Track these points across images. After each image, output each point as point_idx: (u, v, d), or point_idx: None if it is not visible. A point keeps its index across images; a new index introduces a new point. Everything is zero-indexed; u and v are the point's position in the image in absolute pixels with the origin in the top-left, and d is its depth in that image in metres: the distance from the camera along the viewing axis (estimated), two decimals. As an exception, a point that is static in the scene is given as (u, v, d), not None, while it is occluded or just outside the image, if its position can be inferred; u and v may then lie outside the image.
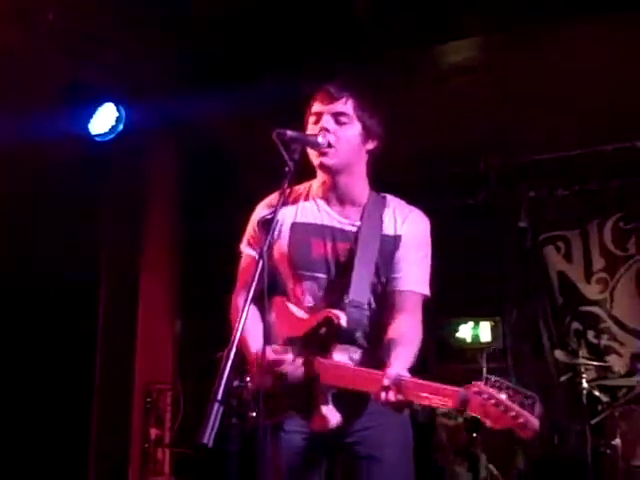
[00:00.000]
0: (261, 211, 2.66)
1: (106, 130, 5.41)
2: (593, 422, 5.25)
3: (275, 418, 2.51)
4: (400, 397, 2.18)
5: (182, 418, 5.75)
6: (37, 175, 5.20)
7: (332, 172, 2.59)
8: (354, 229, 2.59)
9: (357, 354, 2.49)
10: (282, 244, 2.63)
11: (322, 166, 2.58)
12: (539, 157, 6.37)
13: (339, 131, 2.54)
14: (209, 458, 4.35)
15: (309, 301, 2.59)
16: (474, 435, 5.36)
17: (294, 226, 2.63)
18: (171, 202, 6.31)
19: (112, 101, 5.40)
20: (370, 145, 2.63)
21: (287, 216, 2.64)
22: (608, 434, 5.16)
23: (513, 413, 1.97)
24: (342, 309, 2.46)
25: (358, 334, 2.48)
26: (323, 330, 2.45)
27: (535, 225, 6.57)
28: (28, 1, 4.52)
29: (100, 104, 5.38)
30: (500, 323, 6.39)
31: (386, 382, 2.19)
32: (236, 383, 2.50)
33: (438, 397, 2.12)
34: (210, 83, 5.11)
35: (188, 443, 5.48)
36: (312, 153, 2.57)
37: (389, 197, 2.69)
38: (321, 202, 2.65)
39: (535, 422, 1.97)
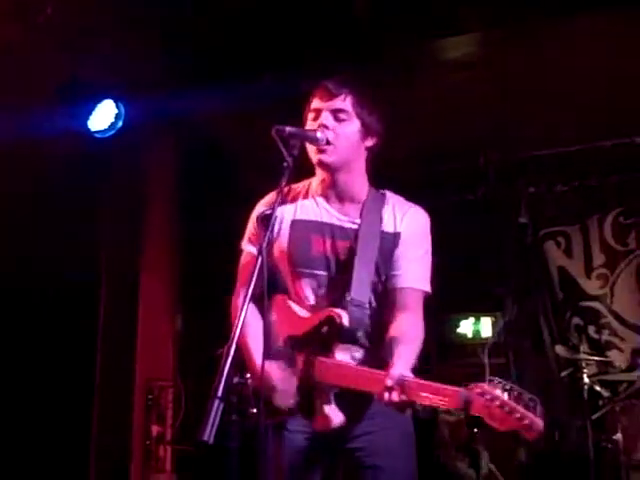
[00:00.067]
0: (260, 208, 2.65)
1: (105, 127, 5.40)
2: (594, 417, 5.26)
3: (277, 418, 2.50)
4: (403, 397, 2.17)
5: (183, 415, 5.75)
6: (36, 172, 5.19)
7: (331, 169, 2.59)
8: (354, 226, 2.59)
9: (359, 353, 2.49)
10: (282, 242, 2.62)
11: (321, 163, 2.57)
12: (538, 153, 6.37)
13: (338, 128, 2.54)
14: (210, 455, 4.35)
15: (309, 299, 2.59)
16: (475, 431, 5.36)
17: (294, 224, 2.63)
18: (171, 199, 6.30)
19: (111, 98, 5.39)
20: (369, 142, 2.62)
21: (287, 214, 2.64)
22: (609, 429, 5.16)
23: (518, 415, 1.97)
24: (343, 308, 2.45)
25: (360, 333, 2.46)
26: (325, 329, 2.44)
27: (535, 221, 6.57)
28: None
29: (99, 101, 5.37)
30: (500, 319, 6.40)
31: (389, 382, 2.18)
32: (236, 380, 2.50)
33: (441, 397, 2.11)
34: (210, 81, 5.10)
35: (190, 440, 5.48)
36: (311, 150, 2.57)
37: (388, 194, 2.68)
38: (320, 199, 2.65)
39: (540, 423, 1.97)
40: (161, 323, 6.14)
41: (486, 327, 6.40)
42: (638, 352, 5.94)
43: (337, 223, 2.60)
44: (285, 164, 2.35)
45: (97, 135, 5.44)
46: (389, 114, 2.68)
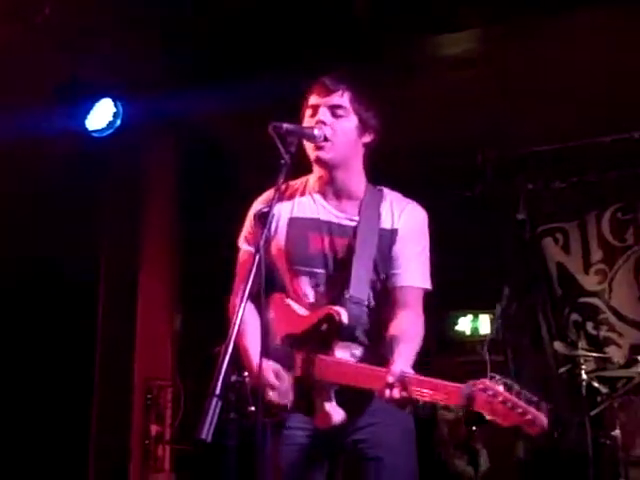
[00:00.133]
0: (258, 206, 2.65)
1: (104, 126, 5.40)
2: (592, 413, 5.25)
3: (276, 416, 2.50)
4: (404, 394, 2.17)
5: (182, 415, 5.75)
6: (35, 172, 5.19)
7: (329, 166, 2.58)
8: (352, 223, 2.58)
9: (358, 351, 2.50)
10: (279, 239, 2.62)
11: (318, 160, 2.57)
12: (537, 149, 6.37)
13: (336, 124, 2.53)
14: (208, 453, 4.35)
15: (308, 297, 2.59)
16: (474, 428, 5.36)
17: (291, 221, 2.63)
18: (170, 199, 6.30)
19: (110, 96, 5.39)
20: (366, 138, 2.62)
21: (284, 211, 2.63)
22: (608, 425, 5.16)
23: (520, 410, 1.97)
24: (342, 305, 2.45)
25: (359, 331, 2.49)
26: (324, 327, 2.44)
27: (533, 217, 6.57)
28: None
29: (98, 99, 5.37)
30: (499, 315, 6.40)
31: (390, 379, 2.18)
32: (234, 378, 2.50)
33: (443, 394, 2.11)
34: (209, 80, 5.10)
35: (189, 439, 5.48)
36: (308, 147, 2.56)
37: (386, 190, 2.68)
38: (318, 197, 2.64)
39: (543, 418, 1.97)
40: (160, 322, 6.14)
41: (484, 324, 6.41)
42: (636, 348, 5.95)
43: (335, 220, 2.60)
44: (282, 161, 2.34)
45: (95, 134, 5.44)
46: (386, 110, 2.67)
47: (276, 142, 2.34)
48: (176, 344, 6.21)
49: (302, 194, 2.67)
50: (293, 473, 2.53)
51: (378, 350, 2.47)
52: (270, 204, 2.36)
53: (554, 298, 6.47)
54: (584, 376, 5.32)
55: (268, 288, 2.46)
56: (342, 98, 2.55)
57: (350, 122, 2.56)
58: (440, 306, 5.81)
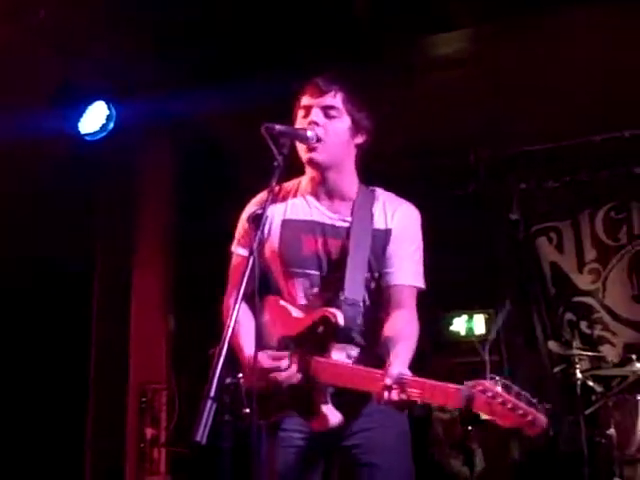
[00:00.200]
0: (251, 209, 2.64)
1: (97, 129, 5.38)
2: (587, 412, 5.26)
3: (271, 418, 2.50)
4: (403, 396, 2.16)
5: (177, 417, 5.74)
6: (29, 174, 5.17)
7: (321, 168, 2.58)
8: (345, 224, 2.58)
9: (354, 352, 2.50)
10: (273, 241, 2.62)
11: (311, 162, 2.57)
12: (529, 148, 6.38)
13: (328, 125, 2.53)
14: (203, 455, 4.35)
15: (302, 299, 2.58)
16: (469, 428, 5.37)
17: (284, 223, 2.62)
18: (165, 200, 6.29)
19: (103, 99, 5.38)
20: (359, 139, 2.62)
21: (277, 213, 2.63)
22: (602, 424, 5.17)
23: (521, 411, 1.96)
24: (337, 307, 2.44)
25: (355, 332, 2.48)
26: (320, 329, 2.43)
27: (527, 217, 6.57)
28: (19, -1, 4.50)
29: (91, 102, 5.36)
30: (494, 316, 6.40)
31: (388, 381, 2.17)
32: (228, 380, 2.49)
33: (441, 395, 2.10)
34: (203, 81, 5.10)
35: (184, 442, 5.47)
36: (301, 149, 2.56)
37: (378, 190, 2.68)
38: (310, 198, 2.64)
39: (543, 419, 1.97)
40: (154, 325, 6.13)
41: (479, 324, 6.41)
42: (630, 347, 5.96)
43: (328, 221, 2.60)
44: (275, 163, 2.34)
45: (88, 137, 5.42)
46: (379, 110, 2.67)
47: (269, 143, 2.34)
48: (170, 346, 6.20)
49: (295, 196, 2.67)
50: (289, 475, 2.52)
51: (374, 351, 2.47)
52: (263, 206, 2.35)
53: (548, 297, 6.48)
54: (579, 375, 5.33)
55: (262, 291, 2.45)
56: (335, 99, 2.55)
57: (343, 123, 2.56)
58: (434, 306, 5.82)
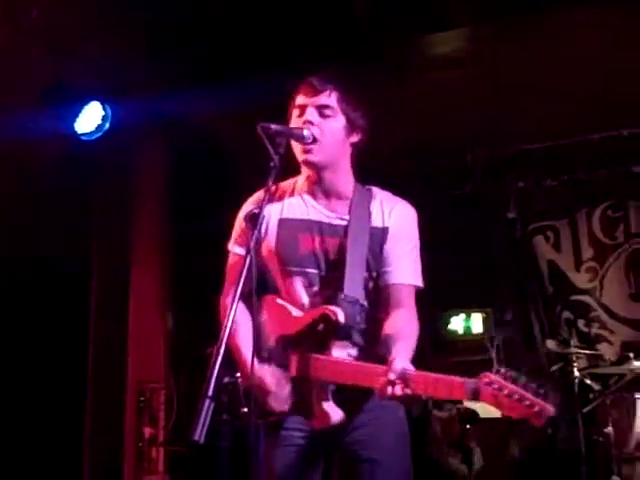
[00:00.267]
0: (247, 208, 2.64)
1: (92, 129, 5.38)
2: (585, 410, 5.27)
3: (270, 417, 2.49)
4: (407, 391, 2.15)
5: (176, 417, 5.74)
6: (25, 175, 5.17)
7: (317, 168, 2.58)
8: (342, 223, 2.58)
9: (354, 350, 2.49)
10: (270, 241, 2.62)
11: (307, 162, 2.57)
12: (527, 147, 6.38)
13: (323, 124, 2.53)
14: (201, 454, 4.35)
15: (301, 298, 2.57)
16: (467, 427, 5.37)
17: (281, 222, 2.62)
18: (160, 200, 6.29)
19: (98, 99, 5.38)
20: (354, 138, 2.61)
21: (274, 213, 2.63)
22: (600, 422, 5.17)
23: (528, 402, 1.95)
24: (337, 305, 2.43)
25: (355, 330, 2.47)
26: (320, 327, 2.42)
27: (524, 215, 6.58)
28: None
29: (86, 103, 5.36)
30: (491, 314, 6.41)
31: (392, 376, 2.16)
32: (226, 379, 2.49)
33: (446, 389, 2.10)
34: (198, 80, 5.09)
35: (182, 441, 5.47)
36: (297, 150, 2.56)
37: (375, 189, 2.68)
38: (307, 197, 2.64)
39: (550, 409, 1.95)
40: (152, 324, 6.13)
41: (477, 323, 6.41)
42: (628, 345, 5.97)
43: (325, 220, 2.60)
44: (272, 163, 2.34)
45: (84, 137, 5.43)
46: (376, 110, 2.67)
47: (265, 143, 2.34)
48: (168, 345, 6.20)
49: (291, 195, 2.67)
50: (288, 475, 2.52)
51: (373, 350, 2.47)
52: (260, 205, 2.35)
53: (546, 296, 6.49)
54: (576, 373, 5.33)
55: (260, 290, 2.45)
56: (330, 98, 2.55)
57: (338, 122, 2.56)
58: (432, 306, 5.82)
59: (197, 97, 5.11)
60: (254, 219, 2.33)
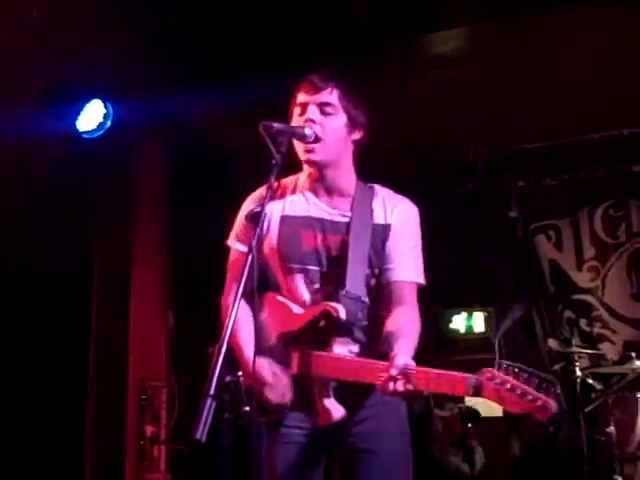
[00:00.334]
0: (249, 205, 2.64)
1: (94, 127, 5.39)
2: (587, 410, 5.26)
3: (272, 415, 2.49)
4: (409, 387, 2.15)
5: (177, 415, 5.74)
6: (26, 173, 5.17)
7: (319, 166, 2.58)
8: (344, 220, 2.58)
9: (355, 347, 2.50)
10: (272, 238, 2.61)
11: (309, 162, 2.57)
12: (527, 146, 6.37)
13: (325, 122, 2.52)
14: (203, 453, 4.35)
15: (303, 295, 2.57)
16: (469, 425, 5.37)
17: (283, 219, 2.62)
18: (161, 198, 6.29)
19: (99, 98, 5.38)
20: (356, 135, 2.61)
21: (275, 210, 2.62)
22: (602, 422, 5.17)
23: (530, 397, 1.96)
24: (339, 301, 2.43)
25: (356, 327, 2.47)
26: (322, 324, 2.42)
27: (525, 214, 6.58)
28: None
29: (87, 101, 5.36)
30: (493, 313, 6.41)
31: (394, 372, 2.16)
32: (228, 378, 2.49)
33: (448, 384, 2.10)
34: (199, 80, 5.09)
35: (184, 440, 5.47)
36: (299, 149, 2.55)
37: (377, 187, 2.68)
38: (309, 194, 2.64)
39: (552, 404, 1.96)
40: (153, 322, 6.13)
41: (479, 322, 6.41)
42: (630, 344, 5.96)
43: (327, 217, 2.59)
44: (273, 161, 2.34)
45: (85, 136, 5.43)
46: (378, 108, 2.67)
47: (267, 142, 2.34)
48: (170, 344, 6.20)
49: (293, 192, 2.66)
50: (290, 472, 2.52)
51: (375, 346, 2.47)
52: (262, 203, 2.34)
53: (547, 295, 6.49)
54: (578, 373, 5.33)
55: (261, 287, 2.45)
56: (331, 96, 2.54)
57: (339, 120, 2.55)
58: (434, 304, 5.82)
59: (197, 97, 5.11)
60: (256, 217, 2.33)
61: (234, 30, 4.84)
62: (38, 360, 5.45)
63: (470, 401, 5.41)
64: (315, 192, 2.63)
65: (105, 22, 4.70)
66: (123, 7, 4.57)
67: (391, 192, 2.69)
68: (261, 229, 2.38)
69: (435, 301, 5.69)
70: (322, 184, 2.62)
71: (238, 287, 2.13)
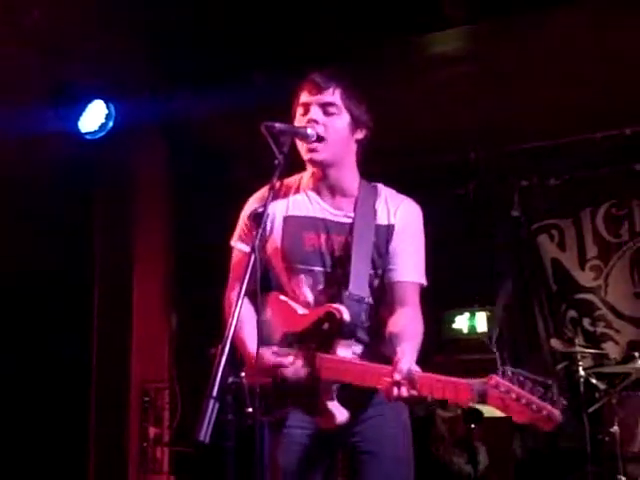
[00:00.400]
0: (252, 205, 2.63)
1: (96, 128, 5.38)
2: (591, 410, 5.25)
3: (275, 415, 2.49)
4: (413, 392, 2.13)
5: (180, 416, 5.74)
6: (27, 174, 5.16)
7: (322, 166, 2.57)
8: (348, 220, 2.57)
9: (359, 349, 2.50)
10: (275, 238, 2.61)
11: (312, 161, 2.56)
12: (529, 146, 6.36)
13: (328, 122, 2.52)
14: (207, 455, 4.34)
15: (306, 295, 2.57)
16: (472, 426, 5.36)
17: (286, 220, 2.61)
18: (163, 199, 6.29)
19: (102, 98, 5.37)
20: (359, 134, 2.60)
21: (279, 210, 2.62)
22: (606, 421, 5.16)
23: (535, 406, 1.93)
24: (342, 303, 2.43)
25: (360, 328, 2.47)
26: (325, 325, 2.42)
27: (528, 214, 6.57)
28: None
29: (89, 102, 5.36)
30: (496, 313, 6.40)
31: (397, 377, 2.14)
32: (231, 379, 2.49)
33: (452, 391, 2.07)
34: (200, 80, 5.08)
35: (187, 441, 5.47)
36: (302, 148, 2.55)
37: (380, 186, 2.67)
38: (312, 194, 2.63)
39: (557, 414, 1.92)
40: (156, 324, 6.12)
41: (481, 322, 6.40)
42: (633, 344, 5.95)
43: (330, 217, 2.59)
44: (276, 161, 2.33)
45: (87, 137, 5.42)
46: (376, 109, 2.65)
47: (269, 142, 2.33)
48: (172, 345, 6.19)
49: (296, 192, 2.66)
50: (292, 472, 2.51)
51: (378, 348, 2.47)
52: (264, 203, 2.33)
53: (550, 295, 6.48)
54: (582, 372, 5.32)
55: (264, 287, 2.44)
56: (333, 96, 2.53)
57: (342, 119, 2.55)
58: (436, 304, 5.81)
59: (198, 97, 5.11)
60: (258, 218, 2.32)
61: (234, 30, 4.83)
62: (40, 362, 5.45)
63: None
64: (318, 192, 2.62)
65: (105, 22, 4.69)
66: (123, 7, 4.56)
67: (394, 192, 2.68)
68: (264, 229, 2.38)
69: (437, 301, 5.67)
70: (325, 184, 2.61)
71: (241, 287, 2.12)
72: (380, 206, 2.59)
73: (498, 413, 2.01)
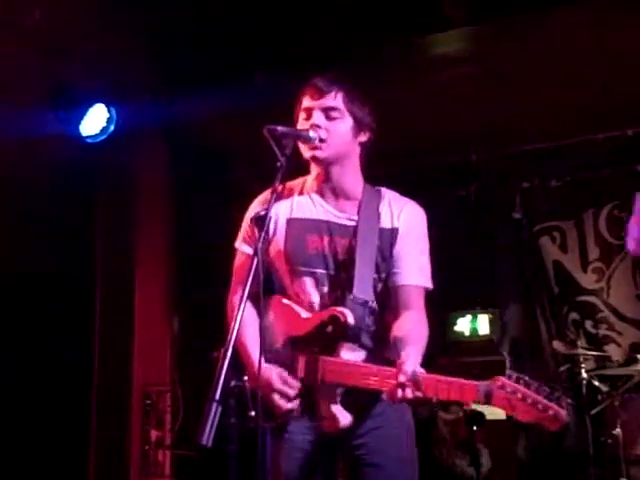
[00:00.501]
0: (255, 208, 2.62)
1: (97, 131, 5.38)
2: (593, 412, 5.25)
3: (277, 420, 2.48)
4: (418, 394, 2.14)
5: (182, 419, 5.73)
6: (29, 177, 5.16)
7: (324, 163, 2.56)
8: (351, 223, 2.56)
9: (362, 352, 2.48)
10: (278, 241, 2.60)
11: (314, 158, 2.55)
12: (531, 147, 6.36)
13: (330, 126, 2.51)
14: (209, 458, 4.33)
15: (309, 298, 2.56)
16: (474, 428, 5.35)
17: (290, 222, 2.60)
18: (164, 202, 6.29)
19: (103, 102, 5.37)
20: (362, 137, 2.60)
21: (282, 212, 2.61)
22: (609, 424, 5.16)
23: (541, 406, 1.95)
24: (346, 306, 2.42)
25: (364, 332, 2.46)
26: (329, 328, 2.41)
27: (530, 216, 6.57)
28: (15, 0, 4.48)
29: (90, 105, 5.35)
30: (498, 315, 6.39)
31: (402, 379, 2.14)
32: (233, 383, 2.48)
33: (458, 392, 2.08)
34: (200, 81, 5.08)
35: (189, 445, 5.46)
36: (303, 147, 2.54)
37: (384, 190, 2.66)
38: (316, 196, 2.62)
39: (564, 413, 1.95)
40: (158, 327, 6.12)
41: (483, 324, 6.39)
42: (636, 346, 5.94)
43: (334, 220, 2.58)
44: (278, 164, 2.33)
45: (89, 140, 5.42)
46: (377, 110, 2.65)
47: (271, 145, 2.33)
48: (174, 348, 6.19)
49: (300, 194, 2.65)
50: (294, 477, 2.50)
51: (382, 352, 2.46)
52: (267, 207, 2.33)
53: (552, 297, 6.47)
54: (584, 375, 5.31)
55: (267, 290, 2.43)
56: (335, 100, 2.53)
57: (345, 123, 2.54)
58: (438, 307, 5.80)
59: (198, 98, 5.10)
60: (261, 221, 2.31)
61: (234, 31, 4.83)
62: (42, 365, 5.45)
63: (476, 405, 5.39)
64: (322, 194, 2.62)
65: (105, 22, 4.69)
66: (123, 7, 4.56)
67: (397, 195, 2.67)
68: (266, 232, 2.37)
69: (439, 304, 5.66)
70: (329, 185, 2.60)
71: (243, 290, 2.12)
72: (384, 209, 2.58)
73: (500, 415, 2.03)
